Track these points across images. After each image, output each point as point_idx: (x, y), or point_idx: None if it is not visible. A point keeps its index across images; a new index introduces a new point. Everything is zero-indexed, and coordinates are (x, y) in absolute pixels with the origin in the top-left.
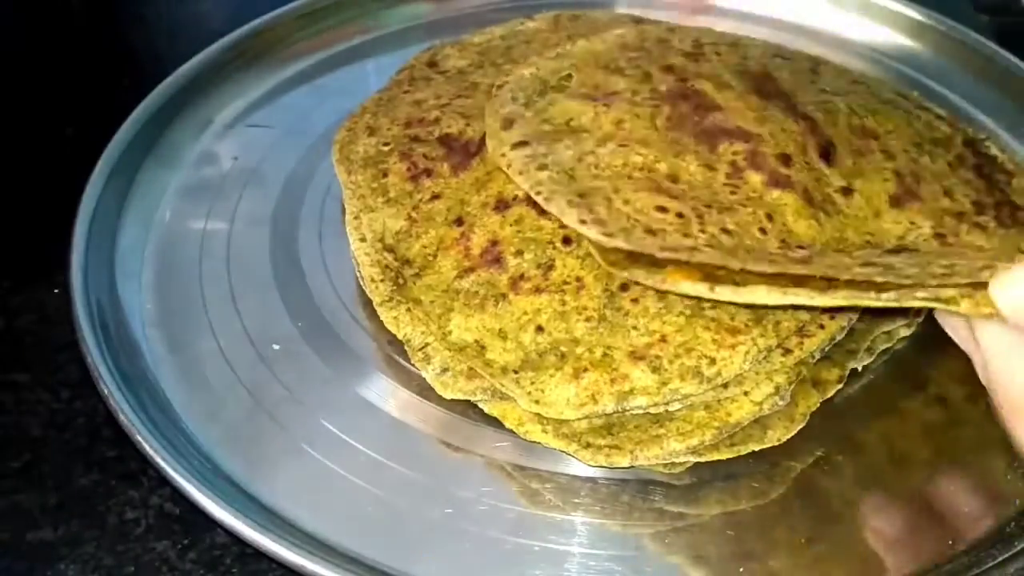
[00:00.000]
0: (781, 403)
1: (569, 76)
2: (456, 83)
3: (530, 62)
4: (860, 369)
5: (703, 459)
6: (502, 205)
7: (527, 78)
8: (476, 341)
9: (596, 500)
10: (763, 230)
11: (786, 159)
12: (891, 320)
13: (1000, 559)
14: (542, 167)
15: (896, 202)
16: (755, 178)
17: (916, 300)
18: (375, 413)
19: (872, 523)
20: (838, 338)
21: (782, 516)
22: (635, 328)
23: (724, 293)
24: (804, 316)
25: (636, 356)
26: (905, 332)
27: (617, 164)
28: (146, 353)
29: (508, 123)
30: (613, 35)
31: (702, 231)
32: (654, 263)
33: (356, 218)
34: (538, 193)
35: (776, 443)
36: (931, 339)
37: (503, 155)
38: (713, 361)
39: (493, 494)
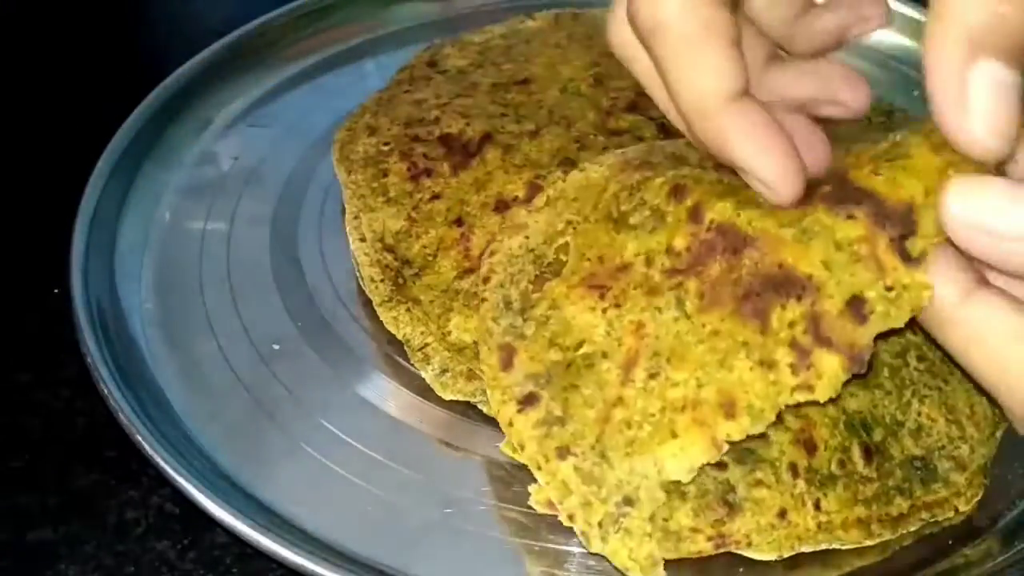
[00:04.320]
0: None
1: (566, 245)
2: (456, 83)
3: (518, 221)
4: None
5: None
6: (502, 205)
7: (517, 255)
8: (475, 342)
9: None
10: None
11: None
12: None
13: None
14: (563, 453)
15: None
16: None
17: None
18: (375, 413)
19: None
20: None
21: None
22: None
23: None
24: None
25: None
26: None
27: (654, 412)
28: (146, 353)
29: (508, 357)
30: (613, 155)
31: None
32: None
33: (356, 218)
34: (570, 517)
35: None
36: None
37: (510, 424)
38: None
39: (493, 494)
